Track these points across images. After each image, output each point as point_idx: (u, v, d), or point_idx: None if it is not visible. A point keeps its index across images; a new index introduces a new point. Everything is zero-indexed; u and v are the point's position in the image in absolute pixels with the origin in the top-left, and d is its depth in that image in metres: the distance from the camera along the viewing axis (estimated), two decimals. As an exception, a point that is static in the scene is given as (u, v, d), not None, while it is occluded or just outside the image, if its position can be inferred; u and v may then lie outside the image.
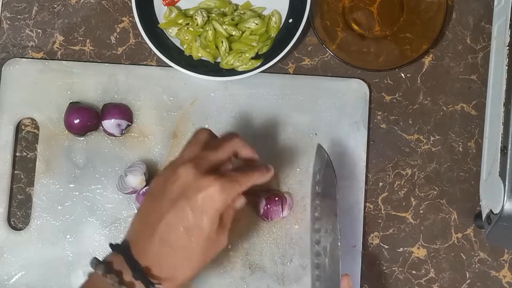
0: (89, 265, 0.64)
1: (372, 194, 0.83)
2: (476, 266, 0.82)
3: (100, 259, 0.64)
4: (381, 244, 0.82)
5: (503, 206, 0.70)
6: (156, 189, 0.64)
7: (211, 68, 0.82)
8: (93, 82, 0.83)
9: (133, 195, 0.80)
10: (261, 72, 0.80)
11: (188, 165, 0.62)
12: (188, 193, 0.61)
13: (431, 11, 0.82)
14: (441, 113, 0.84)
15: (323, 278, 0.73)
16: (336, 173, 0.80)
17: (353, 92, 0.83)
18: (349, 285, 0.71)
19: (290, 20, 0.83)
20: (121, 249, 0.63)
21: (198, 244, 0.61)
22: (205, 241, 0.62)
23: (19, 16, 0.86)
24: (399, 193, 0.83)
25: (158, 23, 0.83)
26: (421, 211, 0.83)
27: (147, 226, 0.63)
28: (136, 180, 0.78)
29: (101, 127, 0.81)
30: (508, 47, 0.75)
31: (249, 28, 0.82)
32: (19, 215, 0.83)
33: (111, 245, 0.64)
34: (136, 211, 0.78)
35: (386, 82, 0.84)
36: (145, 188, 0.79)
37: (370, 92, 0.84)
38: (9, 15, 0.86)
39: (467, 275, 0.82)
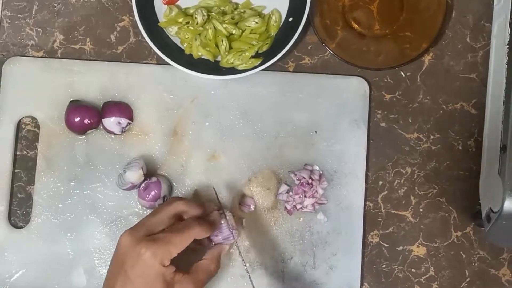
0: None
1: (372, 193, 0.83)
2: (476, 264, 0.82)
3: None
4: (381, 243, 0.82)
5: (502, 204, 0.70)
6: (114, 253, 0.69)
7: (211, 67, 0.82)
8: (93, 80, 0.83)
9: (134, 193, 0.81)
10: (261, 70, 0.81)
11: (125, 233, 0.67)
12: (127, 262, 0.65)
13: (431, 10, 0.82)
14: (441, 111, 0.84)
15: None
16: (336, 171, 0.80)
17: (353, 89, 0.83)
18: None
19: (290, 19, 0.83)
20: None
21: None
22: None
23: (19, 15, 0.86)
24: (399, 191, 0.83)
25: (158, 22, 0.83)
26: (421, 210, 0.83)
27: None
28: (134, 175, 0.78)
29: (101, 125, 0.82)
30: (507, 46, 0.75)
31: (249, 26, 0.82)
32: (20, 213, 0.83)
33: None
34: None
35: (386, 80, 0.85)
36: (145, 182, 0.79)
37: (370, 91, 0.84)
38: (9, 14, 0.86)
39: (467, 273, 0.82)
